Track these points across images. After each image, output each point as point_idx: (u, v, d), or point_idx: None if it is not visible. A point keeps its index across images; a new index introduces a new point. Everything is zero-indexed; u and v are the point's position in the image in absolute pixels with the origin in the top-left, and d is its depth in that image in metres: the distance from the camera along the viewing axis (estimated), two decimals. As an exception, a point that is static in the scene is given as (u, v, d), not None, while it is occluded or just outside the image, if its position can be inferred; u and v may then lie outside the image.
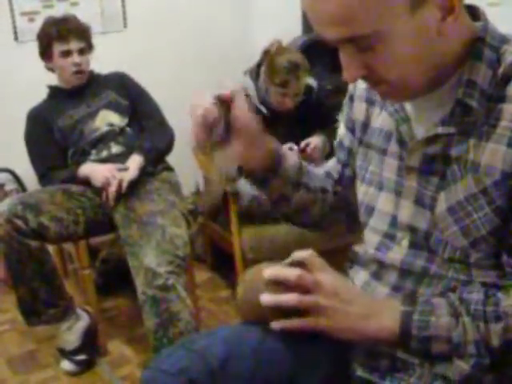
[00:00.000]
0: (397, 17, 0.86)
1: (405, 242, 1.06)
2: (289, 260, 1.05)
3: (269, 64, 2.70)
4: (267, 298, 1.01)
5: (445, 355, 0.96)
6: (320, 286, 0.99)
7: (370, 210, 1.14)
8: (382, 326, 0.98)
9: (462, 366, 0.94)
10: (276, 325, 1.02)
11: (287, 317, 1.01)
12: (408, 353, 1.00)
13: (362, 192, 1.16)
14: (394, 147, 1.07)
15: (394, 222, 1.08)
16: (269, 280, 1.03)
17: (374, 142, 1.12)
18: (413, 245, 1.05)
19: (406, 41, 0.88)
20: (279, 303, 1.00)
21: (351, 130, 1.22)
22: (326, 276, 1.01)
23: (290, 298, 0.99)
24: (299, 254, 1.04)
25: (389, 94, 1.00)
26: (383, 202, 1.10)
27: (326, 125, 2.83)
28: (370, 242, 1.14)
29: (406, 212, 1.05)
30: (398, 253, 1.07)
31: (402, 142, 1.05)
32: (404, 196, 1.05)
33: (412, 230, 1.04)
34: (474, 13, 1.00)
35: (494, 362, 0.93)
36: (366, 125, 1.16)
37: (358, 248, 1.20)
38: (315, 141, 2.83)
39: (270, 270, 1.03)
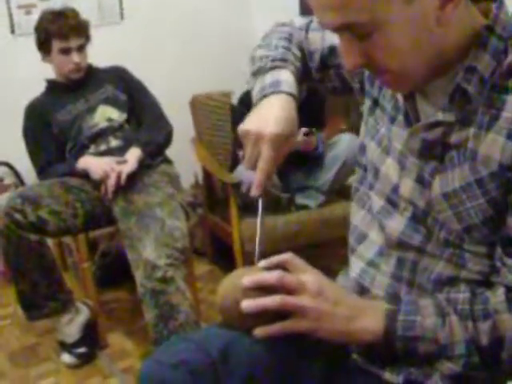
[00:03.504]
0: (393, 4, 0.85)
1: (406, 214, 1.05)
2: (266, 263, 1.02)
3: None
4: (248, 304, 0.96)
5: (432, 356, 0.95)
6: (304, 286, 0.96)
7: (376, 171, 1.12)
8: (367, 327, 0.97)
9: (452, 367, 0.94)
10: (259, 332, 0.97)
11: (270, 322, 0.97)
12: (393, 354, 0.97)
13: (371, 149, 1.14)
14: (400, 118, 1.06)
15: (396, 189, 1.07)
16: (248, 287, 0.98)
17: (386, 107, 1.10)
18: (414, 218, 1.04)
19: (404, 29, 0.87)
20: (261, 307, 0.95)
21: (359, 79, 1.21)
22: (310, 276, 0.98)
23: (272, 300, 0.94)
24: (277, 257, 1.01)
25: (391, 83, 1.00)
26: (388, 167, 1.09)
27: (318, 120, 2.97)
28: (374, 206, 1.13)
29: (407, 188, 1.04)
30: (398, 222, 1.06)
31: (407, 118, 1.04)
32: (406, 172, 1.04)
33: (412, 204, 1.04)
34: None
35: (484, 360, 0.93)
36: (381, 87, 1.13)
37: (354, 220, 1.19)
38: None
39: (248, 277, 0.98)
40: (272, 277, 0.96)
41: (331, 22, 0.90)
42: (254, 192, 1.10)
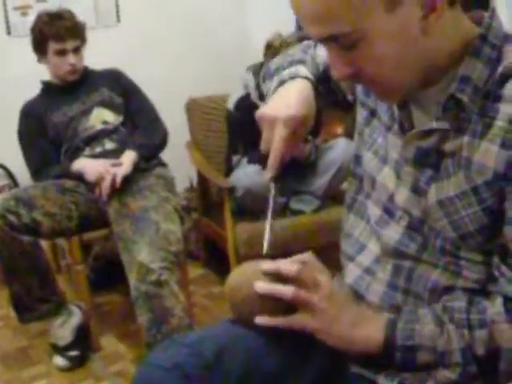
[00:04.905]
0: (375, 15, 0.85)
1: (403, 223, 1.05)
2: (288, 260, 1.04)
3: (272, 57, 2.72)
4: (263, 286, 1.00)
5: (430, 366, 0.96)
6: (318, 285, 0.99)
7: (373, 181, 1.12)
8: (368, 336, 0.99)
9: (449, 376, 0.95)
10: (261, 320, 1.01)
11: (275, 314, 1.00)
12: (393, 364, 0.99)
13: (367, 159, 1.14)
14: (396, 127, 1.06)
15: (392, 199, 1.07)
16: (266, 273, 1.02)
17: (383, 116, 1.11)
18: (410, 227, 1.04)
19: (388, 39, 0.88)
20: (274, 292, 0.99)
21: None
22: (325, 278, 1.01)
23: (286, 290, 0.98)
24: (299, 256, 1.04)
25: (380, 93, 1.01)
26: (384, 177, 1.09)
27: (314, 128, 2.90)
28: (371, 215, 1.13)
29: (403, 197, 1.05)
30: (394, 231, 1.06)
31: (401, 127, 1.04)
32: (402, 181, 1.05)
33: (408, 213, 1.04)
34: (484, 5, 0.99)
35: (481, 370, 0.93)
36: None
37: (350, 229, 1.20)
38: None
39: (270, 264, 1.02)
40: (292, 269, 1.00)
41: (316, 34, 0.91)
42: (267, 174, 1.10)
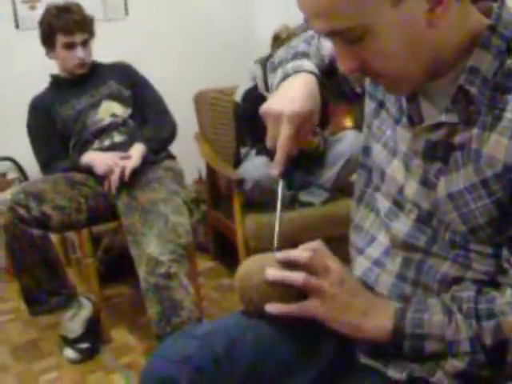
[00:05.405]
0: (380, 9, 0.85)
1: (412, 215, 1.05)
2: (298, 248, 1.05)
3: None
4: (273, 272, 1.01)
5: (438, 355, 0.96)
6: (328, 271, 1.00)
7: (382, 174, 1.12)
8: (378, 325, 0.99)
9: (457, 365, 0.95)
10: (271, 308, 1.01)
11: (285, 302, 1.01)
12: (402, 353, 0.99)
13: (377, 151, 1.14)
14: (405, 120, 1.05)
15: (401, 191, 1.07)
16: (279, 261, 1.03)
17: (391, 108, 1.10)
18: (419, 219, 1.04)
19: (394, 33, 0.87)
20: (285, 279, 1.00)
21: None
22: (335, 264, 1.02)
23: (297, 276, 0.99)
24: (309, 244, 1.05)
25: (387, 86, 1.00)
26: (394, 169, 1.08)
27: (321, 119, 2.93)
28: (381, 208, 1.13)
29: (412, 190, 1.04)
30: (404, 224, 1.06)
31: (410, 119, 1.04)
32: (411, 173, 1.04)
33: (417, 206, 1.04)
34: None
35: (489, 359, 0.93)
36: None
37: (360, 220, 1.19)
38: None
39: (280, 252, 1.03)
40: (303, 256, 1.01)
41: (321, 29, 0.91)
42: (273, 171, 1.09)
